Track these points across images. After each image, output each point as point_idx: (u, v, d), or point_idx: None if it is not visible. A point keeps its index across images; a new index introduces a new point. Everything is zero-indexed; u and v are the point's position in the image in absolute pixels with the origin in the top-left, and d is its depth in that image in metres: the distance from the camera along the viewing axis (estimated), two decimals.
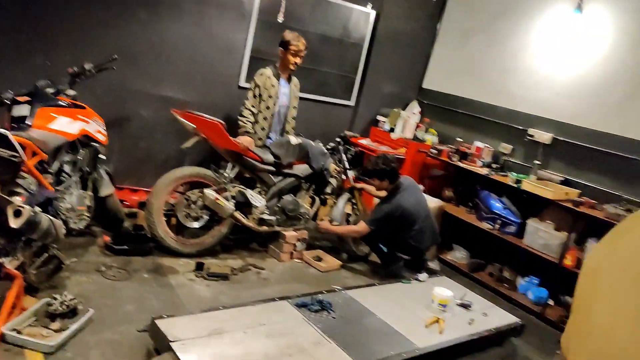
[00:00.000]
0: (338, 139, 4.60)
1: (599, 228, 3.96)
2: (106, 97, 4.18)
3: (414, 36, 5.93)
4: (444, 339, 2.93)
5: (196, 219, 3.83)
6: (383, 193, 4.45)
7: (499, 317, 3.37)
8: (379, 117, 5.93)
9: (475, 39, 5.58)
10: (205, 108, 4.54)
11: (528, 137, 4.88)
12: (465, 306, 3.39)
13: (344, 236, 4.37)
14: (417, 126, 5.68)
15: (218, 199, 3.76)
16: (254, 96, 4.18)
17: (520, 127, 4.99)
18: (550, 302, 4.25)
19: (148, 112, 4.51)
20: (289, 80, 4.37)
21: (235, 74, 4.87)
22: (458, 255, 4.96)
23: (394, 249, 4.24)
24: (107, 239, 3.64)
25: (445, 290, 3.36)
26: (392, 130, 5.72)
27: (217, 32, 4.63)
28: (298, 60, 4.24)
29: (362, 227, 4.12)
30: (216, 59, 4.70)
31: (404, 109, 5.94)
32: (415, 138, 5.58)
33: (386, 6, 5.58)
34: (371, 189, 4.73)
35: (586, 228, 4.06)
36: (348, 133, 4.65)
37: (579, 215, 3.98)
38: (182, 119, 3.79)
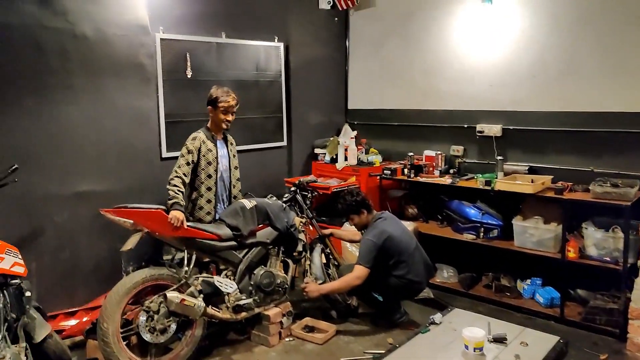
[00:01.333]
0: (293, 188, 4.10)
1: (588, 210, 3.82)
2: (8, 214, 3.36)
3: (327, 59, 5.64)
4: None
5: (163, 330, 3.12)
6: (356, 236, 4.06)
7: (540, 342, 3.00)
8: (317, 150, 5.50)
9: (388, 46, 5.38)
10: (130, 193, 3.94)
11: (478, 134, 4.70)
12: (500, 340, 2.99)
13: (341, 291, 3.80)
14: (357, 149, 5.33)
15: (185, 300, 3.10)
16: (187, 163, 3.51)
17: (466, 125, 4.81)
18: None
19: (62, 216, 3.71)
20: (224, 140, 3.79)
21: (155, 145, 4.21)
22: (445, 275, 4.62)
23: (389, 295, 3.80)
24: None
25: (474, 330, 2.93)
26: (333, 160, 5.33)
27: (122, 104, 3.95)
28: (230, 117, 3.67)
29: (359, 270, 3.61)
30: (129, 134, 4.02)
31: (338, 135, 5.59)
32: (361, 162, 5.22)
33: (293, 36, 5.22)
34: (341, 232, 4.30)
35: (572, 213, 3.87)
36: (304, 179, 4.16)
37: (566, 203, 3.78)
38: (115, 217, 3.11)
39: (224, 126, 3.69)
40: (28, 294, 2.67)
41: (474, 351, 2.84)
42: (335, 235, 4.22)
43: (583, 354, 3.42)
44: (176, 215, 3.20)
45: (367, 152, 5.42)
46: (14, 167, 2.91)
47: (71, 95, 3.65)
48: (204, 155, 3.56)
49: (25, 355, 2.56)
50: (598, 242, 3.73)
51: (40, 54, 3.47)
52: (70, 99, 3.65)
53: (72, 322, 3.61)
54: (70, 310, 3.67)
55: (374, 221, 3.84)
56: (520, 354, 2.86)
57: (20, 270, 2.65)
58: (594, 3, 3.98)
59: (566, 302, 3.92)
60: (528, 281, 4.23)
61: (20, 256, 2.71)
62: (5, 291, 2.55)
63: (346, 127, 5.66)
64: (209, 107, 3.62)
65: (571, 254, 3.78)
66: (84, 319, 3.60)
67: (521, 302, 4.15)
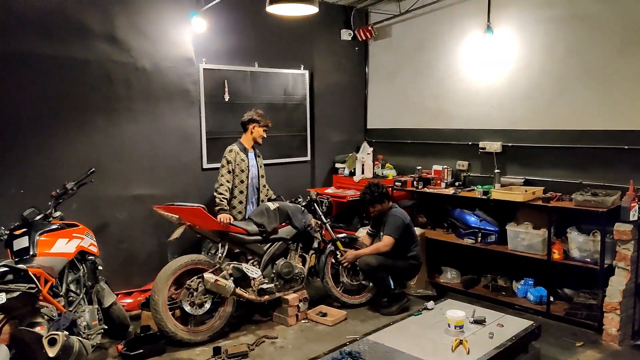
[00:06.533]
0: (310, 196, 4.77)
1: (573, 216, 4.33)
2: (82, 209, 4.17)
3: (348, 84, 6.33)
4: (474, 357, 3.05)
5: (201, 305, 3.83)
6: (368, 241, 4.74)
7: (515, 325, 3.51)
8: (337, 165, 6.19)
9: (402, 74, 6.05)
10: (176, 196, 4.66)
11: (480, 150, 5.27)
12: (480, 322, 3.53)
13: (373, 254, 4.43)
14: (374, 164, 5.98)
15: (218, 281, 3.79)
16: (229, 172, 4.34)
17: (470, 143, 5.38)
18: (550, 298, 4.44)
19: (123, 214, 4.52)
20: (254, 153, 4.58)
21: (197, 157, 5.00)
22: (449, 277, 5.16)
23: (402, 275, 4.54)
24: (121, 347, 3.56)
25: (456, 311, 3.49)
26: (352, 174, 5.99)
27: (172, 123, 4.76)
28: (265, 135, 4.52)
29: (387, 239, 4.41)
30: (176, 149, 4.82)
31: (357, 152, 6.26)
32: (376, 176, 5.86)
33: (317, 64, 5.95)
34: (363, 252, 4.80)
35: (560, 219, 4.37)
36: (313, 191, 4.79)
37: (552, 210, 4.30)
38: (165, 213, 3.85)
39: (260, 141, 4.51)
40: (100, 268, 3.45)
41: (455, 328, 3.40)
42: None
43: (561, 342, 3.90)
44: (225, 215, 4.04)
45: (383, 167, 6.06)
46: (92, 170, 3.72)
47: (132, 116, 4.49)
48: (237, 164, 4.35)
49: (99, 315, 3.31)
50: (580, 245, 4.21)
51: (110, 83, 4.33)
52: (131, 119, 4.49)
53: (129, 300, 4.39)
54: (128, 291, 4.45)
55: (391, 209, 4.59)
56: (494, 332, 3.39)
57: (95, 249, 3.44)
58: (582, 36, 4.52)
59: (554, 300, 4.41)
60: (522, 282, 4.73)
61: (94, 238, 3.49)
62: (84, 264, 3.33)
63: (364, 145, 6.33)
64: (253, 124, 4.45)
65: (556, 255, 4.28)
66: (139, 298, 4.37)
67: (514, 299, 4.65)
